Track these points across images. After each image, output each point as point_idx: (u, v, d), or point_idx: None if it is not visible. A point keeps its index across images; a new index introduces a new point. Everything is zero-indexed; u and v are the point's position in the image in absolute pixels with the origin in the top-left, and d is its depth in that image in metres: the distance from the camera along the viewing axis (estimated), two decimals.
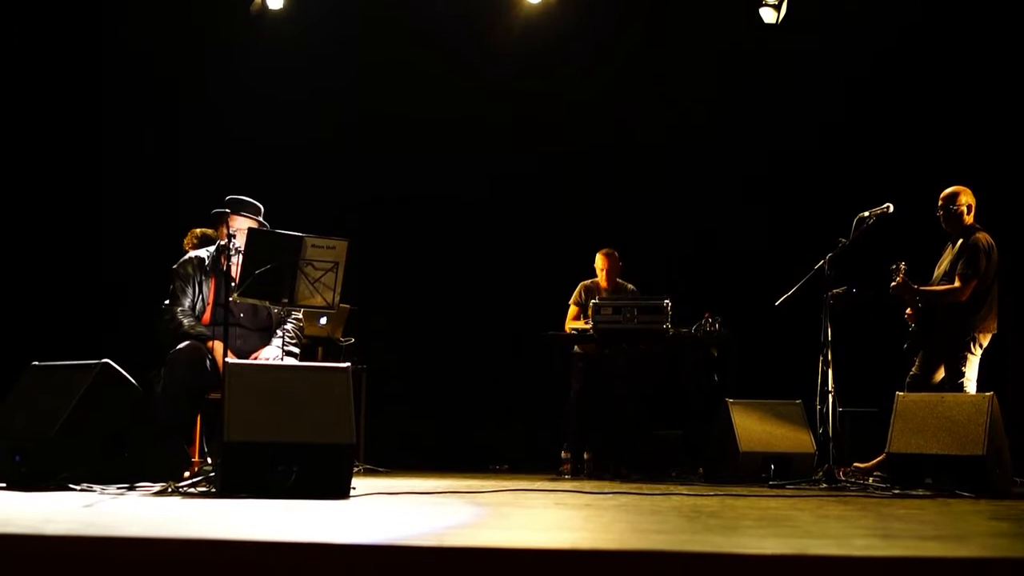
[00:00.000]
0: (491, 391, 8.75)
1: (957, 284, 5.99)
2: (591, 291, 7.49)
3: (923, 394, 5.80)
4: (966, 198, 6.14)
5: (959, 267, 6.00)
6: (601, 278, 7.53)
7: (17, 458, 4.56)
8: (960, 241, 6.11)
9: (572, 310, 7.55)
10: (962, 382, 5.94)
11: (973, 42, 8.07)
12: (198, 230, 6.47)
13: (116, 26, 8.51)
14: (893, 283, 6.07)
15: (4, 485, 4.62)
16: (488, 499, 4.60)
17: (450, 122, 8.83)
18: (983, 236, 6.06)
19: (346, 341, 7.28)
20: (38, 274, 8.42)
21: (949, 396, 5.68)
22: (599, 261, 7.52)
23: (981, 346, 6.02)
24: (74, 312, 8.31)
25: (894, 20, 8.10)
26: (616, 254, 7.52)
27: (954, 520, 3.76)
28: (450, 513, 3.85)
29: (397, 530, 3.20)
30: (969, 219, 6.14)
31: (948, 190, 6.19)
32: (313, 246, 4.77)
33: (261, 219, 5.38)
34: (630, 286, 7.56)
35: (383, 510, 3.95)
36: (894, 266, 6.07)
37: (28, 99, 8.45)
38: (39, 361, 5.00)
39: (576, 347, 7.42)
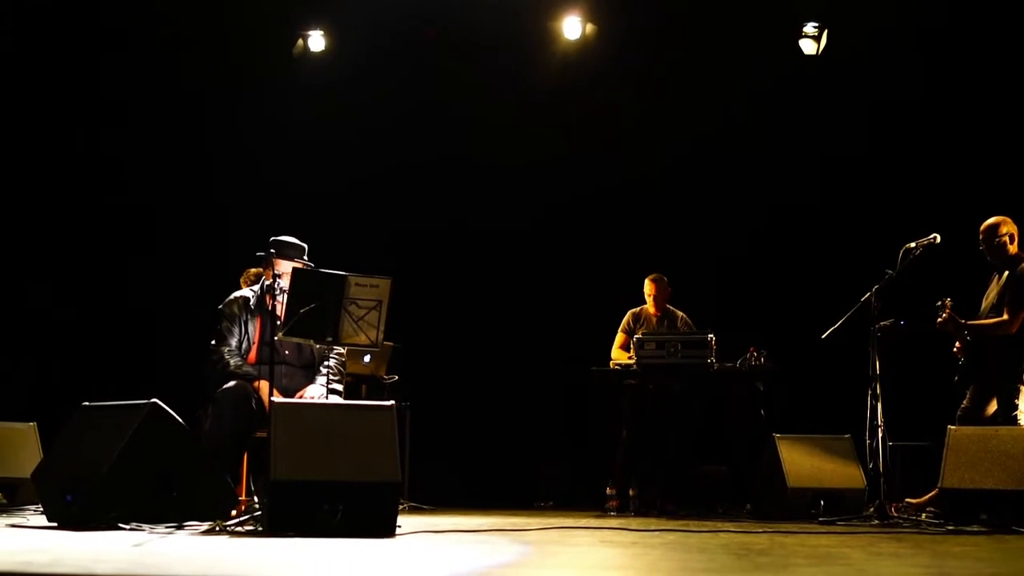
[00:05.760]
0: (535, 427, 8.72)
1: (1005, 317, 5.88)
2: (639, 318, 7.38)
3: (976, 427, 5.69)
4: (1007, 228, 6.03)
5: (1007, 299, 5.90)
6: (649, 304, 7.42)
7: (68, 498, 4.62)
8: (1006, 272, 6.00)
9: (620, 338, 7.42)
10: (1015, 415, 5.82)
11: (1016, 68, 8.00)
12: (253, 270, 6.56)
13: (163, 69, 8.69)
14: (940, 319, 5.98)
15: (55, 524, 4.68)
16: (534, 537, 4.57)
17: (489, 159, 8.89)
18: None
19: (390, 379, 7.29)
20: (89, 318, 8.57)
21: (1003, 429, 5.57)
22: (647, 287, 7.41)
23: None
24: (123, 352, 8.44)
25: (936, 45, 8.05)
26: (664, 279, 7.42)
27: (1011, 557, 3.68)
28: (496, 552, 3.83)
29: (444, 569, 3.19)
30: (1013, 248, 6.02)
31: (988, 222, 6.08)
32: (356, 284, 4.79)
33: (305, 259, 5.42)
34: (680, 313, 7.44)
35: (429, 549, 3.95)
36: (940, 302, 5.98)
37: (62, 142, 8.70)
38: (89, 402, 5.08)
39: (627, 380, 7.35)
